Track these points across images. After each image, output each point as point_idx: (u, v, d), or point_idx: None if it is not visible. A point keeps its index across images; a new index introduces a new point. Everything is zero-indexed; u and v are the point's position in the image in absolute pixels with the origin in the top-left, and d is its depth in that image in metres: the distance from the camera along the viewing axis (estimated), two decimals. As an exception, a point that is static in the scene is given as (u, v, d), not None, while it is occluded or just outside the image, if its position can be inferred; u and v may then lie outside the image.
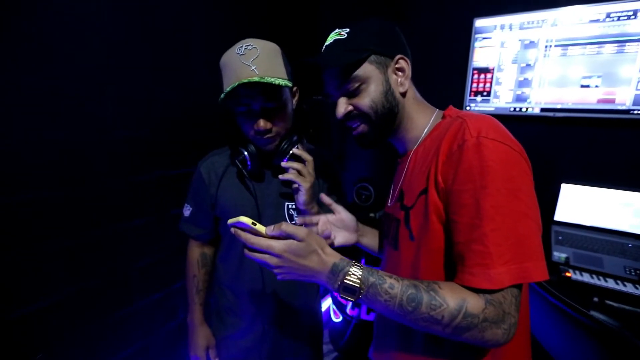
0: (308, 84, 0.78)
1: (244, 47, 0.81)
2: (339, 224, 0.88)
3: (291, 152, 0.89)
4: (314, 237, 0.58)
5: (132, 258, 1.21)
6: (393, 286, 0.54)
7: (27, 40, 0.90)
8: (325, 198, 0.88)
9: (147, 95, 1.20)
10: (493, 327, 0.50)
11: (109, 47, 1.07)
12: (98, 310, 1.12)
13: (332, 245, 0.86)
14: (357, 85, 0.67)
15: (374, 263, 1.78)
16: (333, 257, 0.57)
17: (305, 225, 0.85)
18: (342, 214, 0.88)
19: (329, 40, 0.70)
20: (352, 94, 0.68)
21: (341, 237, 0.87)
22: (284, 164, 0.89)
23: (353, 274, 0.55)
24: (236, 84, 0.77)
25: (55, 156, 0.98)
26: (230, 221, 0.59)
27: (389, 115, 0.69)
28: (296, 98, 0.94)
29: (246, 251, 0.59)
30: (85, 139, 1.04)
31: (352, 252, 0.88)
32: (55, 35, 0.95)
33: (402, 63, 0.68)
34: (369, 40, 0.67)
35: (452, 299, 0.51)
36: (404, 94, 0.70)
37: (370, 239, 0.93)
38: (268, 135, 0.87)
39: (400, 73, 0.69)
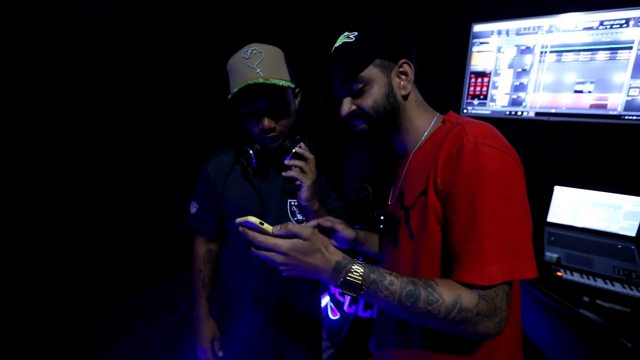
0: (311, 87, 0.82)
1: (249, 52, 0.85)
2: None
3: (294, 150, 0.93)
4: (319, 236, 0.61)
5: (136, 253, 1.24)
6: (393, 283, 0.57)
7: (30, 32, 0.92)
8: (325, 223, 0.87)
9: (155, 93, 1.22)
10: (485, 320, 0.54)
11: (113, 38, 1.09)
12: (102, 303, 1.15)
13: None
14: (361, 86, 0.71)
15: (371, 261, 1.81)
16: (336, 256, 0.61)
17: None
18: (342, 233, 0.90)
19: (338, 42, 0.74)
20: (357, 95, 0.72)
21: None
22: (287, 161, 0.92)
23: (355, 271, 0.58)
24: (242, 85, 0.81)
25: (61, 150, 1.00)
26: (238, 220, 0.61)
27: (389, 116, 0.72)
28: (298, 99, 0.98)
29: (253, 249, 0.62)
30: (91, 133, 1.06)
31: (351, 251, 0.91)
32: (59, 27, 0.97)
33: (406, 67, 0.72)
34: (375, 44, 0.70)
35: (448, 295, 0.55)
36: (406, 97, 0.73)
37: (366, 240, 0.97)
38: (272, 134, 0.91)
39: (403, 76, 0.72)
